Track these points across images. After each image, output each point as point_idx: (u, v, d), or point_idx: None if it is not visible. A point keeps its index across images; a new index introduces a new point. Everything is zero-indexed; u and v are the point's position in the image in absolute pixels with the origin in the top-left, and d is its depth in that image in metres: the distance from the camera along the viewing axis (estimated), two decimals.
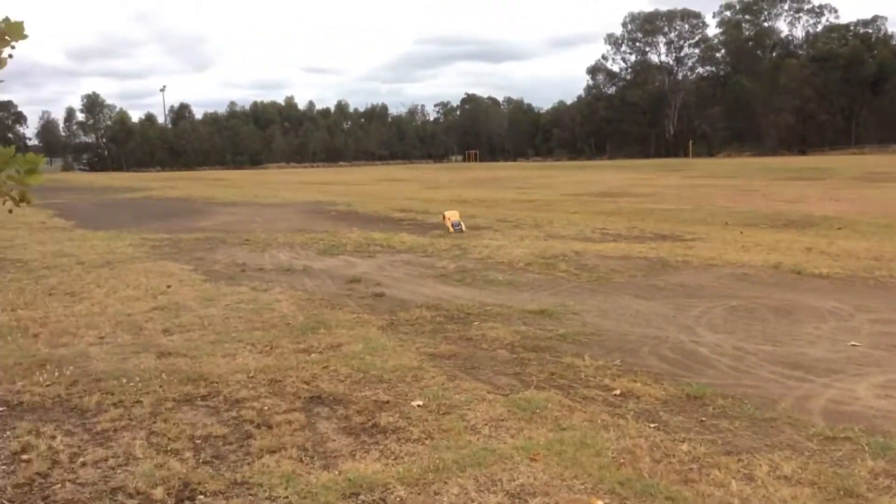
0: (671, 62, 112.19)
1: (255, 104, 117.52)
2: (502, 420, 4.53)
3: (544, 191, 31.58)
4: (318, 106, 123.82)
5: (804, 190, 27.43)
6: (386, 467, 3.85)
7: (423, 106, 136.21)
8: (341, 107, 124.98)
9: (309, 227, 16.94)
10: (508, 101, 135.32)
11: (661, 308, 7.81)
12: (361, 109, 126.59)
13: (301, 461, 3.94)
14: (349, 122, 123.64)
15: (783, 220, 16.55)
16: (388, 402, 4.90)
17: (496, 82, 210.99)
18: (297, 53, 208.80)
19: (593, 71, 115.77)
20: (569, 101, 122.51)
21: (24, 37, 3.63)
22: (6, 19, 3.60)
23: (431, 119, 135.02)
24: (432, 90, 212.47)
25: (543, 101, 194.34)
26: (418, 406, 4.82)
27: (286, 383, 5.29)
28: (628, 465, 3.80)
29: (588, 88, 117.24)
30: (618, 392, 5.07)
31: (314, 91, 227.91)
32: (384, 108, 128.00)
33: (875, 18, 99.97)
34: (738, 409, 4.68)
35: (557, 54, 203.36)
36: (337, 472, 3.78)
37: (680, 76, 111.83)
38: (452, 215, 16.32)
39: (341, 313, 7.68)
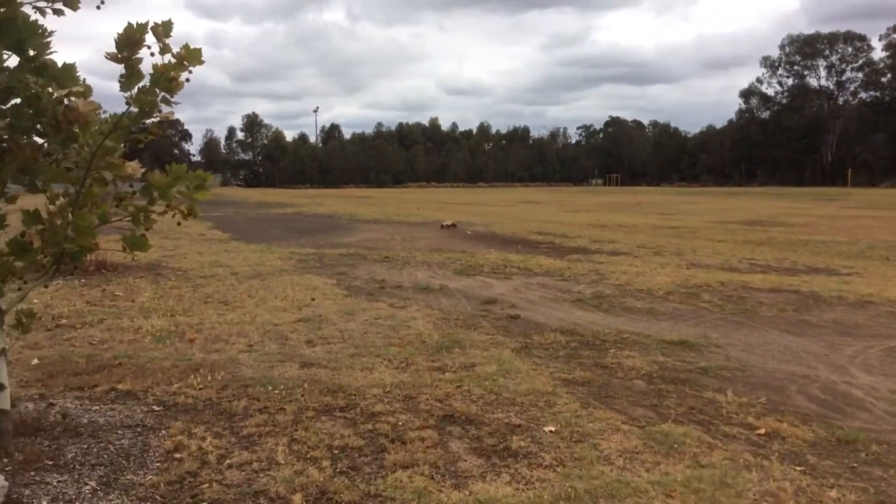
0: (831, 86, 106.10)
1: (400, 125, 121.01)
2: (637, 452, 4.41)
3: (688, 217, 30.57)
4: (461, 127, 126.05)
5: None
6: (516, 492, 3.84)
7: (565, 128, 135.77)
8: (483, 128, 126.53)
9: (447, 247, 17.20)
10: (654, 124, 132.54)
11: (813, 345, 7.36)
12: (503, 131, 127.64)
13: (433, 478, 3.99)
14: (490, 144, 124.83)
15: None
16: (520, 425, 4.89)
17: (642, 105, 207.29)
18: (442, 76, 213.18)
19: (746, 94, 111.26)
20: (718, 126, 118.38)
21: (201, 62, 3.94)
22: (185, 46, 3.92)
23: (573, 142, 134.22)
24: (575, 112, 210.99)
25: (691, 125, 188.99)
26: (550, 432, 4.77)
27: (420, 400, 5.39)
28: None
29: (740, 112, 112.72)
30: (762, 431, 4.82)
31: (457, 113, 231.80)
32: (526, 130, 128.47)
33: None
34: (893, 456, 4.34)
35: (708, 77, 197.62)
36: (467, 493, 3.81)
37: (840, 101, 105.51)
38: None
39: (476, 334, 7.74)
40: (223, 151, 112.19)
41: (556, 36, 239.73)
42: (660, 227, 24.53)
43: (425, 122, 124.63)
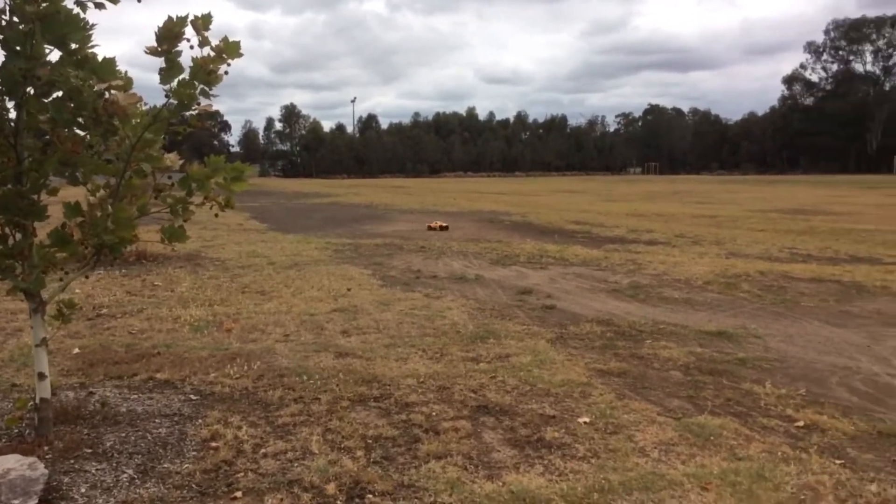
0: (878, 72, 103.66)
1: (437, 115, 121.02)
2: (673, 444, 4.37)
3: (728, 206, 30.12)
4: (498, 116, 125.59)
5: None
6: (550, 483, 3.83)
7: (603, 117, 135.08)
8: (520, 117, 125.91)
9: (483, 237, 17.17)
10: (694, 111, 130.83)
11: (854, 336, 7.22)
12: (541, 120, 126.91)
13: (466, 469, 4.00)
14: (527, 133, 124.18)
15: None
16: (554, 416, 4.88)
17: (683, 92, 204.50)
18: (480, 64, 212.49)
19: (789, 80, 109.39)
20: (760, 113, 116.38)
21: (240, 55, 3.97)
22: (224, 39, 3.95)
23: (611, 130, 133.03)
24: (615, 100, 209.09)
25: (732, 112, 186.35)
26: (585, 423, 4.75)
27: (454, 390, 5.40)
28: (808, 503, 3.54)
29: (783, 99, 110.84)
30: (801, 424, 4.74)
31: (495, 101, 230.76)
32: (563, 118, 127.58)
33: None
34: None
35: (751, 63, 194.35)
36: (501, 484, 3.81)
37: (887, 87, 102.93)
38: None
39: (511, 324, 7.73)
40: (262, 142, 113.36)
41: (596, 22, 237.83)
42: (698, 217, 24.20)
43: (462, 111, 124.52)
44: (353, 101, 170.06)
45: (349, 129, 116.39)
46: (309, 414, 4.90)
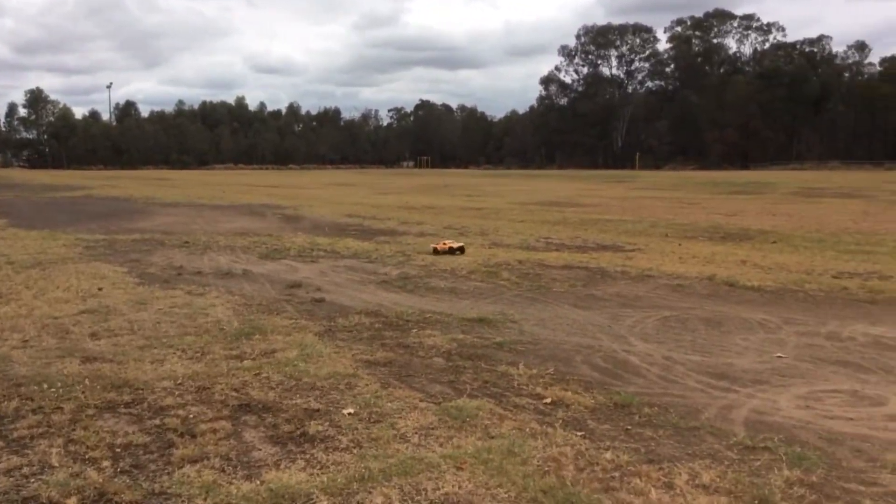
0: (622, 75, 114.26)
1: (203, 104, 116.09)
2: (432, 428, 4.51)
3: (493, 199, 31.75)
4: (270, 107, 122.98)
5: (743, 204, 28.09)
6: (310, 477, 3.80)
7: (376, 111, 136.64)
8: (293, 109, 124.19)
9: (253, 231, 16.72)
10: (462, 108, 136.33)
11: (598, 317, 7.89)
12: (314, 112, 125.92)
13: (223, 471, 3.86)
14: (300, 125, 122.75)
15: (721, 233, 16.91)
16: (318, 410, 4.84)
17: (452, 89, 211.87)
18: (250, 52, 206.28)
19: (546, 81, 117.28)
20: (521, 111, 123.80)
21: None
22: None
23: (385, 124, 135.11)
24: (388, 95, 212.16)
25: (497, 110, 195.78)
26: (349, 414, 4.77)
27: (215, 391, 5.19)
28: (552, 474, 3.81)
29: (541, 99, 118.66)
30: (549, 400, 5.09)
31: (266, 92, 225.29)
32: (337, 111, 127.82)
33: (820, 38, 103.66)
34: (662, 417, 4.74)
35: (513, 63, 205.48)
36: (259, 482, 3.71)
37: (630, 89, 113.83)
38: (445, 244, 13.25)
39: (278, 319, 7.58)
40: (3, 130, 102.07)
41: (368, 16, 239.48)
42: (466, 209, 25.28)
43: (231, 100, 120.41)
44: (109, 87, 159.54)
45: (105, 116, 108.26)
46: (49, 425, 4.48)
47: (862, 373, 5.82)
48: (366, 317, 7.77)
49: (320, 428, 4.50)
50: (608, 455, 4.10)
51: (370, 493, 3.63)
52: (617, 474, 3.85)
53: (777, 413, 4.85)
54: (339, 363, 5.94)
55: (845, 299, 8.96)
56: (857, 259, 12.34)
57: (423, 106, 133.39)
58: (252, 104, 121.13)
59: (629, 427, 4.60)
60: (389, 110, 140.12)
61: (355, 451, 4.17)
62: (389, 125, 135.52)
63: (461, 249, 12.92)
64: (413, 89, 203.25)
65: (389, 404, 4.96)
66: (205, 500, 3.52)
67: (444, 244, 13.11)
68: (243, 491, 3.61)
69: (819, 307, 8.54)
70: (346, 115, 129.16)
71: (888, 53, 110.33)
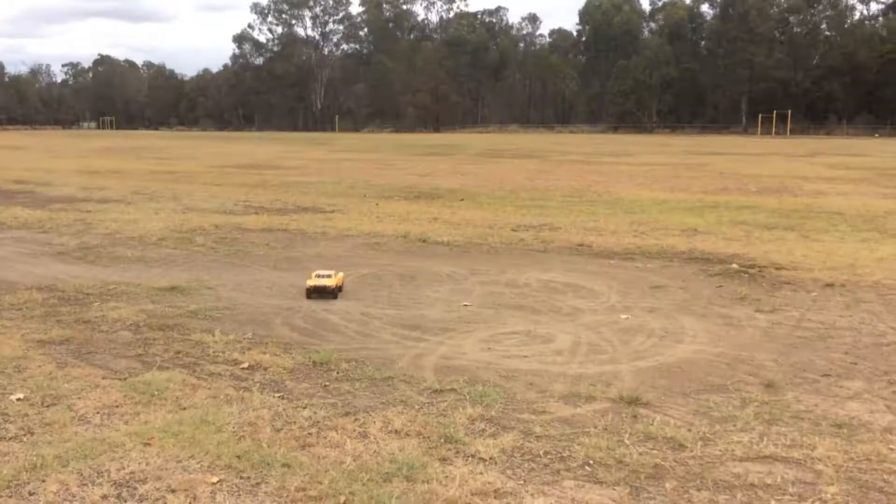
0: (317, 37, 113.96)
1: None
2: (117, 406, 4.20)
3: (187, 162, 30.15)
4: None
5: (435, 165, 29.66)
6: None
7: (48, 66, 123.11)
8: None
9: None
10: (149, 65, 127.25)
11: (297, 279, 7.85)
12: None
13: None
14: None
15: (415, 193, 17.71)
16: None
17: (135, 45, 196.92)
18: None
19: (240, 40, 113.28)
20: (215, 70, 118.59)
21: None
22: None
23: (59, 81, 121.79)
24: (61, 49, 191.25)
25: (188, 68, 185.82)
26: (18, 400, 4.28)
27: None
28: (248, 438, 3.74)
29: (235, 58, 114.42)
30: (246, 365, 4.99)
31: None
32: (1, 66, 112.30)
33: (498, 9, 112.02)
34: (359, 371, 4.87)
35: (203, 19, 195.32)
36: None
37: (326, 52, 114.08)
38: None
39: None
40: None
41: None
42: (157, 172, 23.76)
43: None
44: None
45: None
46: None
47: (535, 314, 6.46)
48: (38, 292, 7.02)
49: None
50: (305, 413, 4.12)
51: (43, 481, 3.31)
52: (314, 430, 3.88)
53: (463, 357, 5.23)
54: (5, 346, 5.32)
55: (522, 249, 9.88)
56: (532, 213, 13.63)
57: (104, 61, 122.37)
58: None
59: (327, 383, 4.66)
60: (64, 65, 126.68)
61: (25, 439, 3.77)
62: (65, 82, 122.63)
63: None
64: (90, 43, 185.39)
65: (66, 385, 4.54)
66: None
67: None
68: None
69: (500, 257, 9.32)
70: (12, 69, 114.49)
71: (556, 26, 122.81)
